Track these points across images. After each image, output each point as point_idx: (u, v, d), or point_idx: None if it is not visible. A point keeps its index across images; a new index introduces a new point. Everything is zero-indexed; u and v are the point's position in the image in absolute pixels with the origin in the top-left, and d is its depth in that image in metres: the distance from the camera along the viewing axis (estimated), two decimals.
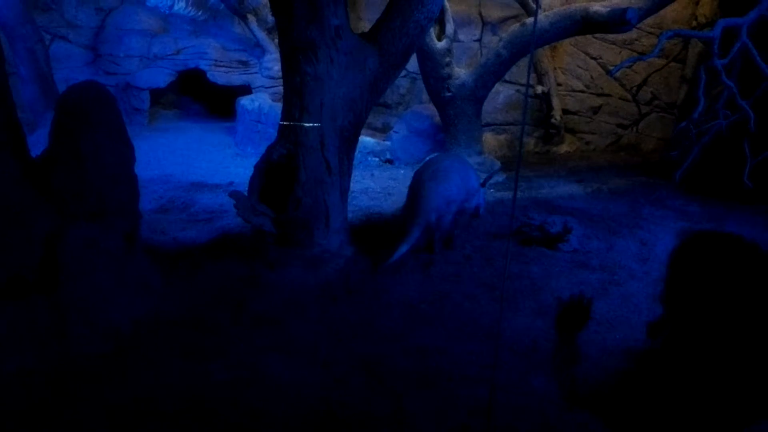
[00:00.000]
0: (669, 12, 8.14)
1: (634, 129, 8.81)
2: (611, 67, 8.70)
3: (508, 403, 3.31)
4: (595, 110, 9.02)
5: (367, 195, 6.74)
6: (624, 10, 6.42)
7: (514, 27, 7.18)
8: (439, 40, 7.17)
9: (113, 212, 3.84)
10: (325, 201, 4.82)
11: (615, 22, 6.48)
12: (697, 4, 8.12)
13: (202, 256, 4.91)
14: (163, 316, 4.03)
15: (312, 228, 4.79)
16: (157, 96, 9.80)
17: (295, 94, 4.81)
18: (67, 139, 3.73)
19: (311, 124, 4.77)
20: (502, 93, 8.93)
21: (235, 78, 9.73)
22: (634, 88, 8.53)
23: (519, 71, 8.84)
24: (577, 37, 8.67)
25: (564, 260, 5.21)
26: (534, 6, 8.05)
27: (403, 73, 9.15)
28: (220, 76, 9.71)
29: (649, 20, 7.90)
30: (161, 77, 9.55)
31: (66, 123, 3.74)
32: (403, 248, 4.83)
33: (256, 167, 4.90)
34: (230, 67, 9.70)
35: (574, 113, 9.04)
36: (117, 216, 3.86)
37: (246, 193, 4.80)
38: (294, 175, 4.76)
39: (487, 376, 3.59)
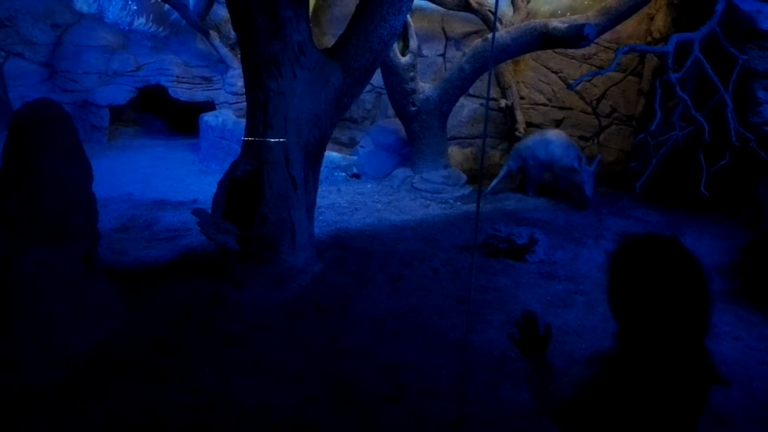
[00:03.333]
0: (625, 27, 8.37)
1: (596, 141, 8.98)
2: (572, 81, 8.91)
3: (477, 417, 3.29)
4: (558, 123, 9.17)
5: (334, 210, 6.70)
6: (582, 26, 6.58)
7: (476, 42, 7.29)
8: (403, 55, 7.22)
9: (70, 233, 3.70)
10: (291, 217, 4.76)
11: (573, 37, 6.62)
12: (652, 20, 8.38)
13: (164, 275, 4.78)
14: (124, 339, 3.89)
15: (278, 245, 4.71)
16: (117, 113, 9.60)
17: (259, 110, 4.76)
18: (19, 158, 3.60)
19: (276, 140, 4.72)
20: (466, 107, 9.02)
21: (198, 94, 9.61)
22: (594, 102, 8.71)
23: (483, 85, 8.95)
24: (538, 52, 8.87)
25: (531, 271, 5.26)
26: (496, 22, 8.19)
27: (369, 87, 9.21)
28: (182, 92, 9.57)
29: (607, 36, 8.11)
30: (121, 94, 9.36)
31: (18, 142, 3.60)
32: (497, 179, 7.42)
33: (220, 184, 4.81)
34: (193, 84, 9.58)
35: (538, 126, 9.17)
36: (74, 237, 3.73)
37: (210, 211, 4.70)
38: (259, 192, 4.69)
39: (457, 389, 3.58)
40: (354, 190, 7.46)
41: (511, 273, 5.19)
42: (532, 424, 3.22)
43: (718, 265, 5.46)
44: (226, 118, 8.34)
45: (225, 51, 9.30)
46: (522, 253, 5.40)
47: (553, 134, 7.58)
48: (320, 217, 6.20)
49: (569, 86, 6.76)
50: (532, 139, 7.61)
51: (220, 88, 9.61)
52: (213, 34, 9.25)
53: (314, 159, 5.05)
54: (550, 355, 1.97)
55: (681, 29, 6.36)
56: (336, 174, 7.79)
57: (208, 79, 9.67)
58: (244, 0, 4.55)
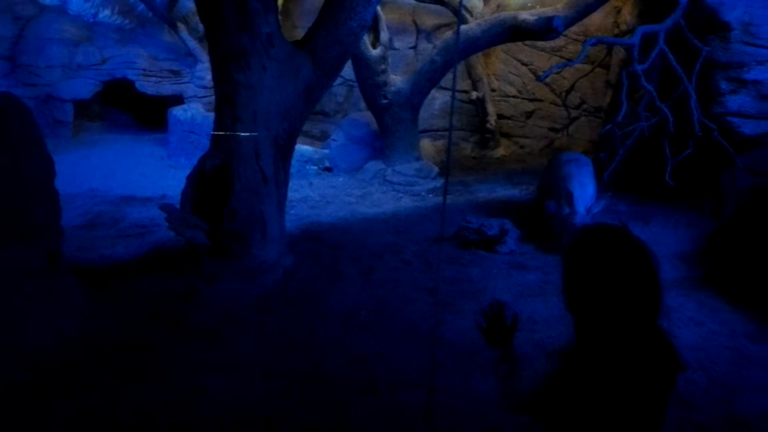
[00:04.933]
0: (593, 20, 8.50)
1: (565, 132, 9.11)
2: (541, 73, 9.01)
3: (450, 406, 3.32)
4: (528, 115, 9.28)
5: (306, 204, 6.67)
6: (550, 19, 6.64)
7: (447, 34, 7.31)
8: (374, 47, 7.20)
9: (32, 230, 3.62)
10: (261, 211, 4.72)
11: (542, 29, 6.69)
12: (619, 12, 8.50)
13: (133, 272, 4.71)
14: (92, 337, 3.82)
15: (248, 239, 4.67)
16: (82, 108, 9.38)
17: (227, 104, 4.70)
18: None
19: (245, 134, 4.67)
20: (438, 99, 9.05)
21: (166, 88, 9.44)
22: (564, 93, 8.84)
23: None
24: (509, 44, 8.94)
25: (502, 262, 5.31)
26: (466, 15, 8.22)
27: (340, 80, 9.17)
28: (149, 86, 9.39)
29: (575, 28, 8.22)
30: (85, 88, 9.14)
31: None
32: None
33: (189, 178, 4.74)
34: (160, 77, 9.41)
35: (509, 118, 9.27)
36: (36, 234, 3.64)
37: (178, 206, 4.63)
38: (228, 186, 4.64)
39: (429, 380, 3.60)
40: (326, 184, 7.43)
41: (482, 264, 5.24)
42: (503, 413, 3.26)
43: (682, 252, 5.59)
44: (195, 111, 8.22)
45: (193, 44, 9.15)
46: (493, 244, 5.46)
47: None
48: (292, 211, 6.17)
49: (538, 78, 6.83)
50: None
51: (188, 82, 9.47)
52: (181, 26, 9.09)
53: (285, 152, 5.01)
54: (517, 345, 1.99)
55: (647, 21, 6.45)
56: (308, 167, 7.75)
57: (176, 73, 9.51)
58: None
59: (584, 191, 5.67)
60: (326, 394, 3.46)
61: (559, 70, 7.14)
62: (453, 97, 8.43)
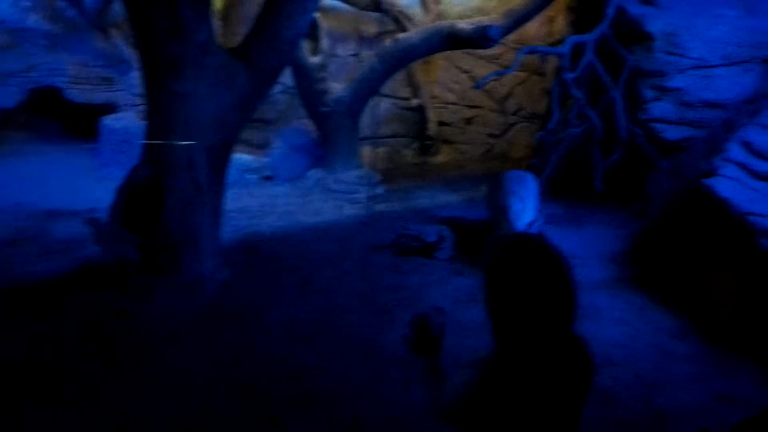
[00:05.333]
0: (529, 29, 8.73)
1: (504, 138, 9.32)
2: (479, 81, 9.19)
3: (385, 417, 3.33)
4: (468, 121, 9.44)
5: (246, 214, 6.57)
6: (486, 28, 6.78)
7: (387, 42, 7.36)
8: (314, 55, 7.17)
9: None
10: (196, 223, 4.62)
11: (479, 38, 6.82)
12: (552, 21, 8.79)
13: (59, 291, 4.51)
14: (12, 362, 3.64)
15: (182, 253, 4.56)
16: (6, 117, 8.92)
17: (160, 113, 4.58)
18: None
19: (178, 144, 4.56)
20: (380, 106, 9.08)
21: (98, 96, 9.09)
22: (501, 100, 9.03)
23: (396, 85, 9.07)
24: (448, 52, 9.08)
25: (440, 268, 5.37)
26: (406, 23, 8.31)
27: (282, 88, 9.07)
28: (79, 94, 9.02)
29: (512, 37, 8.41)
30: (9, 96, 8.69)
31: None
32: None
33: (118, 191, 4.59)
34: (92, 85, 9.06)
35: (449, 124, 9.40)
36: None
37: (107, 220, 4.48)
38: (160, 198, 4.51)
39: (368, 391, 3.61)
40: (266, 193, 7.34)
41: (421, 271, 5.29)
42: (442, 423, 3.29)
43: (612, 253, 5.80)
44: (129, 121, 7.96)
45: (127, 50, 8.86)
46: (432, 250, 5.52)
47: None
48: (230, 222, 6.03)
49: (474, 86, 6.97)
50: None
51: (122, 89, 9.15)
52: (113, 32, 8.78)
53: (220, 163, 4.92)
54: (450, 352, 2.01)
55: (579, 30, 6.70)
56: (248, 176, 7.63)
57: (108, 80, 9.17)
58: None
59: (524, 206, 5.40)
60: (265, 409, 3.42)
61: (495, 78, 7.30)
62: (377, 100, 8.52)
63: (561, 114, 6.27)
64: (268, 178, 7.80)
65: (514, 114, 9.46)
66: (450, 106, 9.40)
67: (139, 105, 8.91)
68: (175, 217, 4.51)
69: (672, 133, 5.88)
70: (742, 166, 4.64)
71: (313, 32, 7.05)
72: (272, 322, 4.39)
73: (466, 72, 9.32)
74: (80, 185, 7.44)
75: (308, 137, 7.92)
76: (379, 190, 7.51)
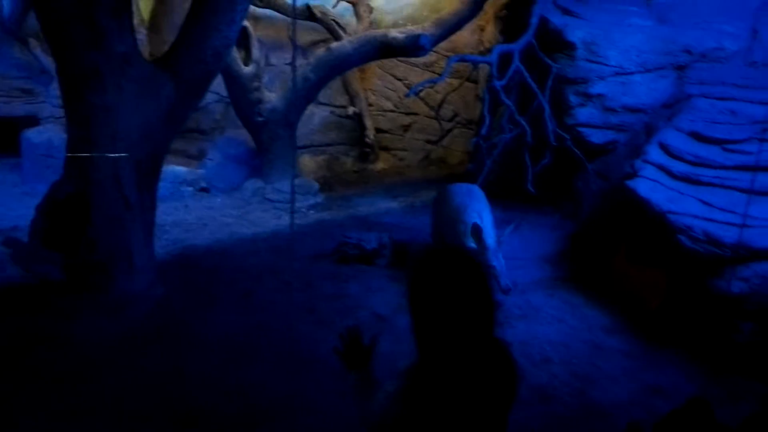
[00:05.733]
0: (460, 37, 8.93)
1: (441, 144, 9.48)
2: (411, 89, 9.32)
3: (329, 429, 3.30)
4: (406, 128, 9.54)
5: (181, 227, 6.39)
6: (418, 37, 6.89)
7: (320, 51, 7.35)
8: (246, 65, 7.07)
9: None
10: (126, 240, 4.45)
11: (411, 47, 6.92)
12: (483, 30, 9.02)
13: None
14: None
15: (112, 270, 4.38)
16: None
17: (81, 126, 4.39)
18: None
19: (102, 157, 4.38)
20: (317, 114, 9.06)
21: (18, 108, 8.64)
22: (437, 107, 9.18)
23: (333, 93, 9.07)
24: (383, 60, 9.16)
25: (381, 275, 5.39)
26: (340, 32, 8.32)
27: (217, 97, 8.90)
28: None
29: (444, 45, 8.58)
30: None
31: None
32: None
33: (39, 208, 4.37)
34: (11, 97, 8.60)
35: (387, 132, 9.48)
36: None
37: (27, 239, 4.25)
38: (86, 214, 4.32)
39: (311, 406, 3.55)
40: (202, 205, 7.17)
41: (362, 279, 5.29)
42: None
43: (548, 254, 5.98)
44: (52, 133, 7.60)
45: (47, 61, 8.46)
46: (372, 258, 5.53)
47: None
48: (164, 236, 5.88)
49: (407, 94, 7.06)
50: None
51: (43, 101, 8.72)
52: (33, 42, 8.39)
53: (149, 176, 4.76)
54: (375, 368, 2.00)
55: (508, 39, 6.90)
56: (182, 189, 7.43)
57: (29, 92, 8.73)
58: (56, 9, 4.16)
59: (484, 222, 4.94)
60: None
61: (429, 86, 7.42)
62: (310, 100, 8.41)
63: (492, 120, 6.42)
64: (204, 190, 7.62)
65: (450, 120, 9.63)
66: (387, 113, 9.48)
67: (62, 117, 8.53)
68: (103, 234, 4.33)
69: (597, 137, 6.13)
70: (661, 167, 4.88)
71: (244, 41, 6.96)
72: (210, 338, 4.27)
73: (400, 79, 9.43)
74: (1, 202, 7.03)
75: (244, 147, 7.80)
76: (319, 198, 7.49)
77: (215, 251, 5.85)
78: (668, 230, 4.45)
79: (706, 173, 4.69)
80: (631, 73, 5.86)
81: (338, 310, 4.72)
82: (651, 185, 4.76)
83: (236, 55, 6.71)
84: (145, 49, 5.00)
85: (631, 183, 4.87)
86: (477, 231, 4.68)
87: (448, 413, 1.62)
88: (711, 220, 4.31)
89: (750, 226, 4.18)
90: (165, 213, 6.23)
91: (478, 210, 5.01)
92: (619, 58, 5.88)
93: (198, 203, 7.26)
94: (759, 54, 5.46)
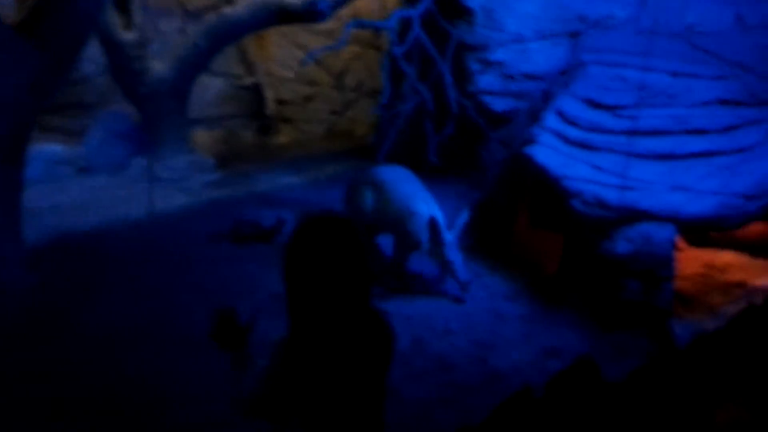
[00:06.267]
0: (363, 3, 8.68)
1: (346, 115, 9.26)
2: (318, 57, 9.00)
3: (221, 415, 3.11)
4: (308, 99, 9.23)
5: (58, 211, 5.84)
6: (316, 2, 6.59)
7: (210, 16, 6.88)
8: (127, 30, 6.48)
9: None
10: None
11: (309, 13, 6.63)
12: None
13: None
14: None
15: None
16: None
17: None
18: None
19: None
20: (212, 86, 8.53)
21: None
22: (339, 76, 8.93)
23: (228, 62, 8.58)
24: (283, 27, 8.75)
25: (279, 254, 5.17)
26: None
27: (101, 68, 8.18)
28: None
29: (346, 11, 8.29)
30: None
31: None
32: None
33: None
34: None
35: (289, 103, 9.12)
36: None
37: None
38: None
39: (208, 391, 3.34)
40: (84, 186, 6.59)
41: (259, 258, 5.06)
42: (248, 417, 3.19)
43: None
44: None
45: None
46: (270, 235, 5.32)
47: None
48: (38, 222, 5.32)
49: (302, 61, 6.80)
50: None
51: None
52: None
53: (11, 156, 4.27)
54: (253, 347, 1.86)
55: (412, 5, 6.74)
56: (60, 169, 6.79)
57: None
58: None
59: (430, 206, 4.63)
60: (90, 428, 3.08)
61: (325, 52, 7.16)
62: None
63: (393, 88, 6.30)
64: (85, 170, 7.00)
65: (354, 90, 9.41)
66: (288, 83, 9.11)
67: None
68: None
69: (499, 104, 6.17)
70: (557, 133, 4.95)
71: (124, 4, 6.36)
72: (92, 329, 3.97)
73: (302, 48, 9.05)
74: None
75: (130, 122, 7.22)
76: (215, 175, 7.10)
77: (99, 235, 5.40)
78: (563, 195, 4.54)
79: (597, 138, 4.82)
80: (528, 40, 5.92)
81: (234, 291, 4.50)
82: (548, 151, 4.83)
83: (114, 19, 6.13)
84: (8, 14, 4.42)
85: (528, 150, 4.92)
86: (435, 225, 4.39)
87: (320, 382, 1.60)
88: (601, 183, 4.44)
89: (635, 188, 4.34)
90: (39, 197, 5.68)
91: (423, 198, 4.66)
92: (516, 25, 5.91)
93: (78, 185, 6.67)
94: (646, 21, 5.64)
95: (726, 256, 5.17)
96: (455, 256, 4.48)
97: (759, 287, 4.74)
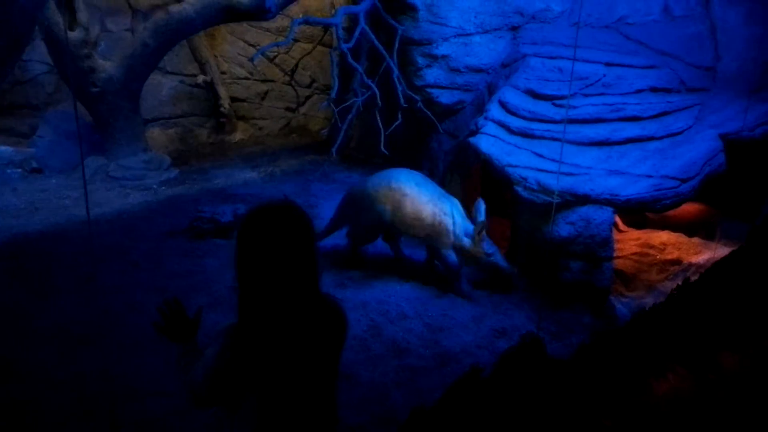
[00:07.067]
0: (312, 1, 8.76)
1: (301, 111, 9.31)
2: (268, 54, 9.03)
3: (177, 410, 3.17)
4: (263, 96, 9.24)
5: (8, 214, 5.74)
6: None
7: (158, 14, 6.82)
8: (72, 29, 6.39)
9: None
10: None
11: (256, 10, 6.64)
12: None
13: None
14: None
15: None
16: None
17: None
18: None
19: None
20: (165, 84, 8.48)
21: None
22: (292, 73, 8.97)
23: (181, 61, 8.52)
24: (234, 25, 8.73)
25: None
26: None
27: (45, 68, 8.02)
28: None
29: (296, 8, 8.37)
30: None
31: None
32: None
33: None
34: None
35: (243, 100, 9.12)
36: None
37: None
38: None
39: (160, 389, 3.38)
40: (35, 188, 6.47)
41: (218, 253, 5.11)
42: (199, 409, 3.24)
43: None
44: None
45: None
46: (228, 231, 5.35)
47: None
48: None
49: (251, 58, 6.81)
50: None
51: None
52: None
53: None
54: (201, 339, 1.93)
55: (358, 2, 6.83)
56: (9, 171, 6.65)
57: None
58: None
59: (456, 208, 4.64)
60: (34, 427, 3.06)
61: (274, 49, 7.18)
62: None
63: (343, 84, 6.39)
64: (36, 171, 6.88)
65: (308, 86, 9.48)
66: (242, 81, 9.11)
67: None
68: None
69: (446, 97, 6.32)
70: (501, 123, 5.15)
71: (67, 2, 6.26)
72: (43, 330, 3.93)
73: (253, 45, 9.07)
74: None
75: (81, 122, 7.11)
76: (172, 173, 7.07)
77: (51, 236, 5.33)
78: (507, 182, 4.73)
79: (539, 127, 5.02)
80: (471, 34, 6.08)
81: (192, 286, 4.53)
82: (492, 141, 5.02)
83: (58, 18, 6.03)
84: None
85: (474, 140, 5.10)
86: (480, 228, 4.43)
87: (271, 367, 1.62)
88: (543, 170, 4.63)
89: (575, 174, 4.56)
90: None
91: (449, 199, 4.64)
92: (459, 19, 6.05)
93: (29, 186, 6.54)
94: (581, 14, 5.88)
95: (663, 236, 5.44)
96: (491, 248, 4.55)
97: (694, 264, 5.00)
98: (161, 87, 8.39)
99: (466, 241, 4.52)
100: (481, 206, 4.51)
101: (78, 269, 4.77)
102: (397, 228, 4.69)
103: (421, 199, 4.57)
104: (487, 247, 4.54)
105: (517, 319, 4.38)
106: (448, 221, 4.54)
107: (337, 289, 4.58)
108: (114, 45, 8.01)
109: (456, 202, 4.66)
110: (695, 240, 5.34)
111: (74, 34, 6.34)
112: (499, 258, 4.59)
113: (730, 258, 3.40)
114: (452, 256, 4.57)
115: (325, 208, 6.19)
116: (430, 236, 4.59)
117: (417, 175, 4.81)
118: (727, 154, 4.68)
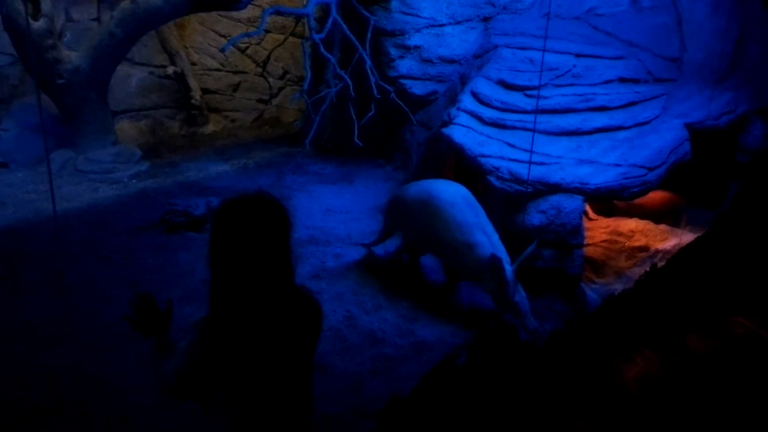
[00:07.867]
0: None
1: (273, 103, 9.23)
2: (240, 45, 8.92)
3: (149, 406, 3.15)
4: (235, 88, 9.13)
5: None
6: None
7: (124, 4, 6.69)
8: (35, 19, 6.23)
9: None
10: None
11: None
12: None
13: None
14: None
15: None
16: None
17: None
18: None
19: None
20: (134, 76, 8.30)
21: None
22: (264, 64, 8.88)
23: (150, 52, 8.36)
24: (204, 15, 8.59)
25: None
26: None
27: (9, 60, 7.81)
28: None
29: None
30: None
31: None
32: None
33: None
34: None
35: (215, 92, 9.00)
36: None
37: None
38: None
39: (137, 380, 3.36)
40: (0, 183, 6.31)
41: (191, 246, 5.06)
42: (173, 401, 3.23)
43: (380, 205, 6.16)
44: None
45: None
46: (201, 224, 5.31)
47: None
48: None
49: (221, 49, 6.74)
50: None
51: None
52: None
53: None
54: (174, 332, 1.92)
55: None
56: None
57: None
58: None
59: (497, 243, 4.10)
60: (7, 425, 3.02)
61: (244, 39, 7.09)
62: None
63: (315, 75, 6.36)
64: (2, 166, 6.70)
65: (281, 78, 9.39)
66: (213, 72, 8.97)
67: None
68: None
69: (419, 88, 6.36)
70: (473, 114, 5.20)
71: None
72: (12, 326, 3.87)
73: (224, 36, 8.93)
74: None
75: (47, 114, 6.94)
76: (142, 166, 6.96)
77: (17, 233, 5.22)
78: (480, 172, 4.78)
79: (510, 118, 5.08)
80: (443, 25, 6.11)
81: (165, 280, 4.50)
82: (464, 131, 5.06)
83: (20, 7, 5.87)
84: None
85: (446, 130, 5.13)
86: (496, 264, 3.80)
87: (245, 359, 1.62)
88: (515, 160, 4.70)
89: (546, 163, 4.63)
90: None
91: (482, 227, 4.10)
92: (431, 10, 6.08)
93: None
94: (550, 6, 5.95)
95: (631, 223, 5.55)
96: (519, 297, 3.89)
97: (661, 250, 5.12)
98: (130, 78, 8.21)
99: (485, 282, 4.01)
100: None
101: (47, 265, 4.69)
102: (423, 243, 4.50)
103: (454, 220, 4.15)
104: (516, 296, 3.93)
105: (491, 307, 4.44)
106: (474, 254, 4.02)
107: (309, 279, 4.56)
108: (80, 35, 7.81)
109: (493, 234, 4.15)
110: (662, 227, 5.45)
111: (38, 24, 6.17)
112: (524, 310, 3.91)
113: (696, 244, 3.51)
114: (458, 281, 4.39)
115: (299, 200, 6.17)
116: (452, 260, 4.32)
117: (460, 193, 4.34)
118: (693, 143, 4.80)
